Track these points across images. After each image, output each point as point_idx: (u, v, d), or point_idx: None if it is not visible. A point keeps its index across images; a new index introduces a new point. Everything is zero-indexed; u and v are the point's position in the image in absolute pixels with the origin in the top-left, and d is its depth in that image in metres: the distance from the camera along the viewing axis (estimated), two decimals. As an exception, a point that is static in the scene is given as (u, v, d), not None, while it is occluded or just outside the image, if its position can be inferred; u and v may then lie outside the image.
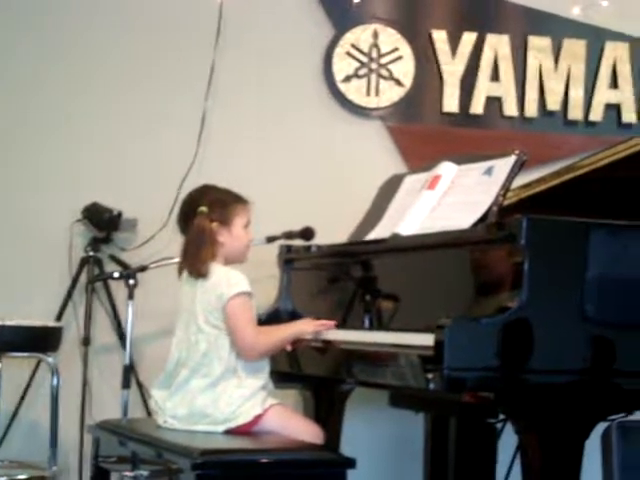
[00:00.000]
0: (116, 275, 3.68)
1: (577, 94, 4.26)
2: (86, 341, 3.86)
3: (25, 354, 3.67)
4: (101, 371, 3.98)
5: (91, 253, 3.94)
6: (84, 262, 3.95)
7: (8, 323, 3.52)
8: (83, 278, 3.94)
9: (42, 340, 3.63)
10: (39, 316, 3.69)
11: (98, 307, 3.97)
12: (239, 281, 2.92)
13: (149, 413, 3.80)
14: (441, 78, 4.20)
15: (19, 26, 4.03)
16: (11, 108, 4.04)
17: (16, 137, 4.03)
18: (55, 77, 4.05)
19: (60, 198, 4.02)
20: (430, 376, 2.40)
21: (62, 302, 3.92)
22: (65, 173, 4.05)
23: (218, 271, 2.95)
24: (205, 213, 2.97)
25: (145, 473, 2.82)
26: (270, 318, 3.41)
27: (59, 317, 3.90)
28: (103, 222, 3.93)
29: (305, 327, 3.03)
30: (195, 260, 2.95)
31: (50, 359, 3.67)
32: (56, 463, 3.69)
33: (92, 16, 4.07)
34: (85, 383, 3.84)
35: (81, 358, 3.86)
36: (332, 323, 3.03)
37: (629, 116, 4.29)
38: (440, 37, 4.19)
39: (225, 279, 2.92)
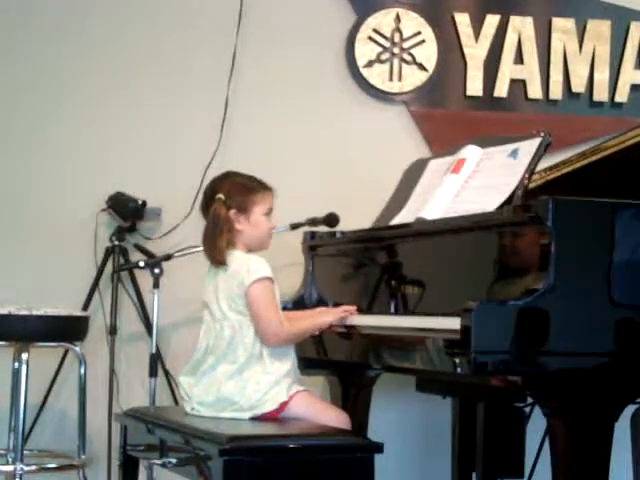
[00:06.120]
0: (142, 264, 3.69)
1: (602, 75, 4.22)
2: (113, 330, 3.87)
3: (52, 344, 3.68)
4: (128, 360, 3.99)
5: (116, 242, 3.96)
6: (109, 251, 3.96)
7: (35, 313, 3.53)
8: (109, 267, 3.95)
9: (69, 329, 3.64)
10: (65, 306, 3.71)
11: (124, 296, 3.98)
12: (260, 267, 2.90)
13: (176, 401, 3.83)
14: (464, 61, 4.17)
15: (48, 14, 4.04)
16: (36, 98, 4.05)
17: (41, 128, 4.05)
18: (79, 66, 4.06)
19: (85, 188, 4.03)
20: (457, 360, 2.39)
21: (88, 292, 3.93)
22: (89, 163, 4.06)
23: (239, 258, 2.94)
24: (222, 200, 2.95)
25: (173, 460, 2.82)
26: (296, 305, 3.41)
27: (85, 306, 3.91)
28: (128, 211, 3.94)
29: (328, 318, 3.03)
30: (212, 247, 2.94)
31: (77, 348, 3.68)
32: (85, 452, 3.70)
33: (116, 5, 4.07)
34: (112, 372, 3.85)
35: (108, 347, 3.88)
36: (353, 308, 3.02)
37: (655, 96, 4.26)
38: (463, 20, 4.16)
39: (245, 265, 2.91)
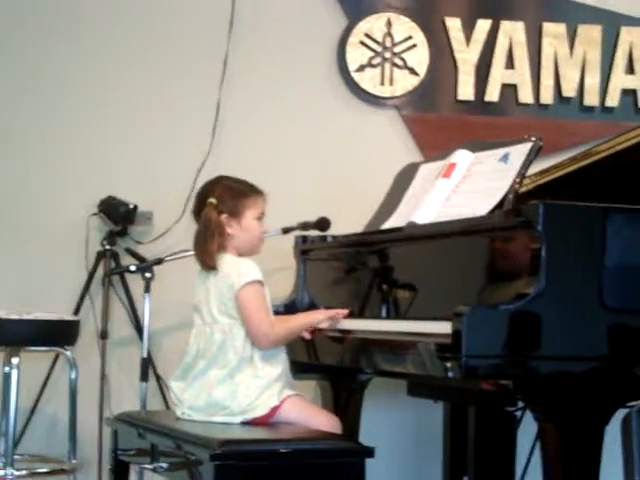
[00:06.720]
0: (133, 268, 3.68)
1: (593, 80, 4.23)
2: (104, 334, 3.87)
3: (43, 348, 3.67)
4: (119, 364, 3.99)
5: (107, 247, 3.95)
6: (100, 256, 3.96)
7: (26, 317, 3.53)
8: (100, 272, 3.95)
9: (60, 334, 3.63)
10: (56, 310, 3.70)
11: (115, 300, 3.98)
12: (250, 270, 2.91)
13: (167, 405, 3.82)
14: (456, 66, 4.18)
15: (41, 19, 4.04)
16: (29, 102, 4.04)
17: (31, 132, 4.04)
18: (72, 71, 4.06)
19: (76, 192, 4.03)
20: (448, 364, 2.39)
21: (79, 296, 3.93)
22: (80, 167, 4.05)
23: (229, 261, 2.94)
24: (214, 204, 2.96)
25: (164, 465, 2.82)
26: (287, 309, 3.41)
27: (76, 311, 3.91)
28: (119, 215, 3.94)
29: (318, 316, 3.04)
30: (203, 252, 2.94)
31: (68, 353, 3.67)
32: (75, 456, 3.70)
33: (106, 8, 4.07)
34: (103, 376, 3.85)
35: (99, 351, 3.87)
36: (345, 311, 3.02)
37: (646, 101, 4.27)
38: (454, 25, 4.17)
39: (236, 269, 2.91)
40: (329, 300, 3.32)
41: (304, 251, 3.54)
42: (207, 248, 2.94)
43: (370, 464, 2.61)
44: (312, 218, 3.71)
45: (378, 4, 4.18)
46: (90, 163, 4.05)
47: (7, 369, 3.59)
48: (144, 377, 3.65)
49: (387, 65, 4.17)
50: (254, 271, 2.91)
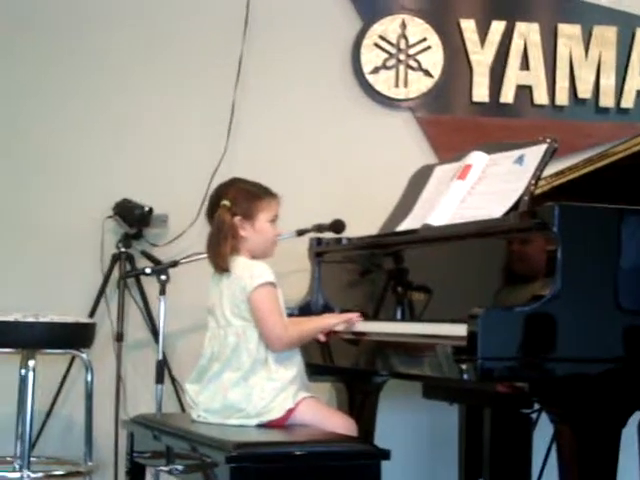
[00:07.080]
0: (148, 271, 3.68)
1: (608, 81, 4.22)
2: (119, 337, 3.88)
3: (59, 351, 3.68)
4: (135, 366, 4.00)
5: (123, 249, 3.96)
6: (116, 258, 3.96)
7: (42, 320, 3.54)
8: (115, 274, 3.96)
9: (76, 336, 3.64)
10: (72, 313, 3.71)
11: (130, 303, 3.98)
12: (262, 272, 2.90)
13: (183, 407, 3.82)
14: (470, 68, 4.18)
15: (51, 20, 4.06)
16: (43, 103, 4.05)
17: (47, 134, 4.05)
18: (85, 71, 4.07)
19: (91, 195, 4.04)
20: (464, 366, 2.39)
21: (95, 298, 3.94)
22: (96, 170, 4.06)
23: (242, 264, 2.94)
24: (227, 207, 2.96)
25: (180, 467, 2.82)
26: (302, 311, 3.41)
27: (92, 313, 3.92)
28: (134, 218, 3.95)
29: (331, 320, 3.04)
30: (215, 254, 2.95)
31: (84, 355, 3.68)
32: (91, 459, 3.70)
33: (122, 9, 4.08)
34: (119, 379, 3.86)
35: (115, 354, 3.88)
36: (357, 316, 3.02)
37: (662, 102, 4.25)
38: (469, 26, 4.17)
39: (248, 271, 2.90)
40: (344, 302, 3.32)
41: (319, 253, 3.54)
42: (220, 250, 2.94)
43: (385, 466, 2.61)
44: (327, 220, 3.71)
45: (392, 6, 4.18)
46: (105, 166, 4.06)
47: (23, 372, 3.60)
48: (159, 379, 3.65)
49: (402, 67, 4.17)
50: (267, 273, 2.91)
